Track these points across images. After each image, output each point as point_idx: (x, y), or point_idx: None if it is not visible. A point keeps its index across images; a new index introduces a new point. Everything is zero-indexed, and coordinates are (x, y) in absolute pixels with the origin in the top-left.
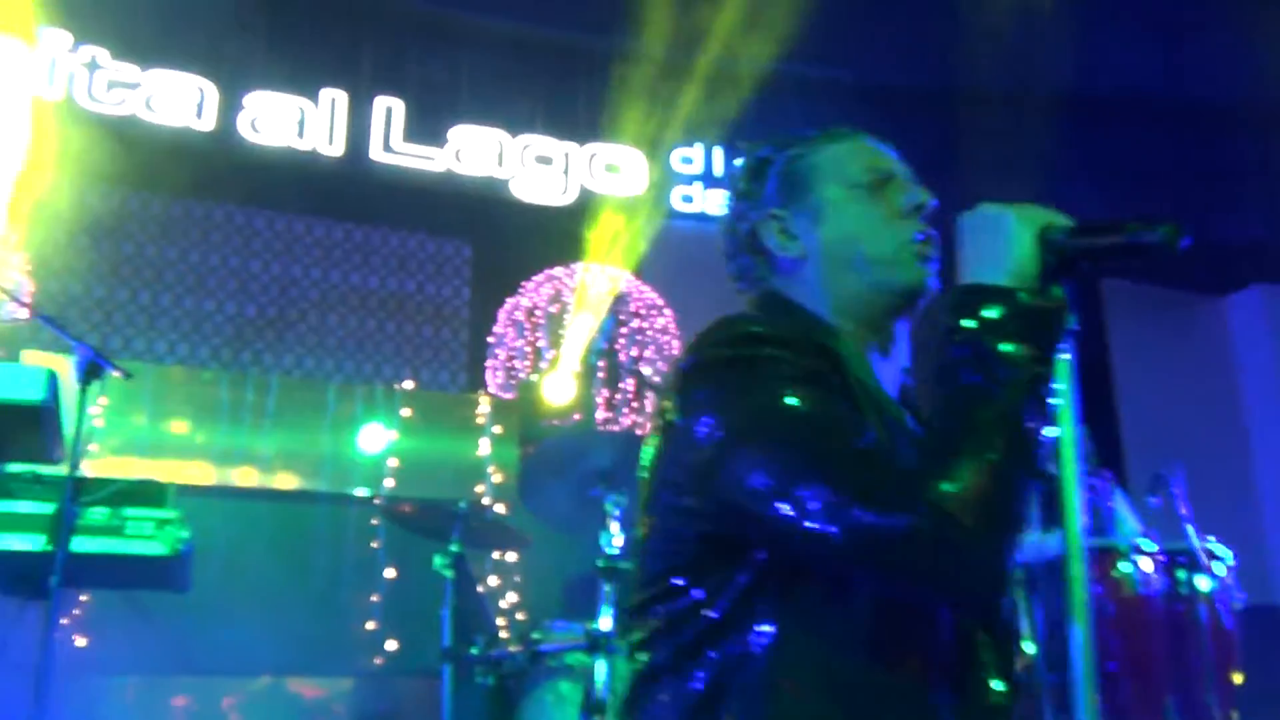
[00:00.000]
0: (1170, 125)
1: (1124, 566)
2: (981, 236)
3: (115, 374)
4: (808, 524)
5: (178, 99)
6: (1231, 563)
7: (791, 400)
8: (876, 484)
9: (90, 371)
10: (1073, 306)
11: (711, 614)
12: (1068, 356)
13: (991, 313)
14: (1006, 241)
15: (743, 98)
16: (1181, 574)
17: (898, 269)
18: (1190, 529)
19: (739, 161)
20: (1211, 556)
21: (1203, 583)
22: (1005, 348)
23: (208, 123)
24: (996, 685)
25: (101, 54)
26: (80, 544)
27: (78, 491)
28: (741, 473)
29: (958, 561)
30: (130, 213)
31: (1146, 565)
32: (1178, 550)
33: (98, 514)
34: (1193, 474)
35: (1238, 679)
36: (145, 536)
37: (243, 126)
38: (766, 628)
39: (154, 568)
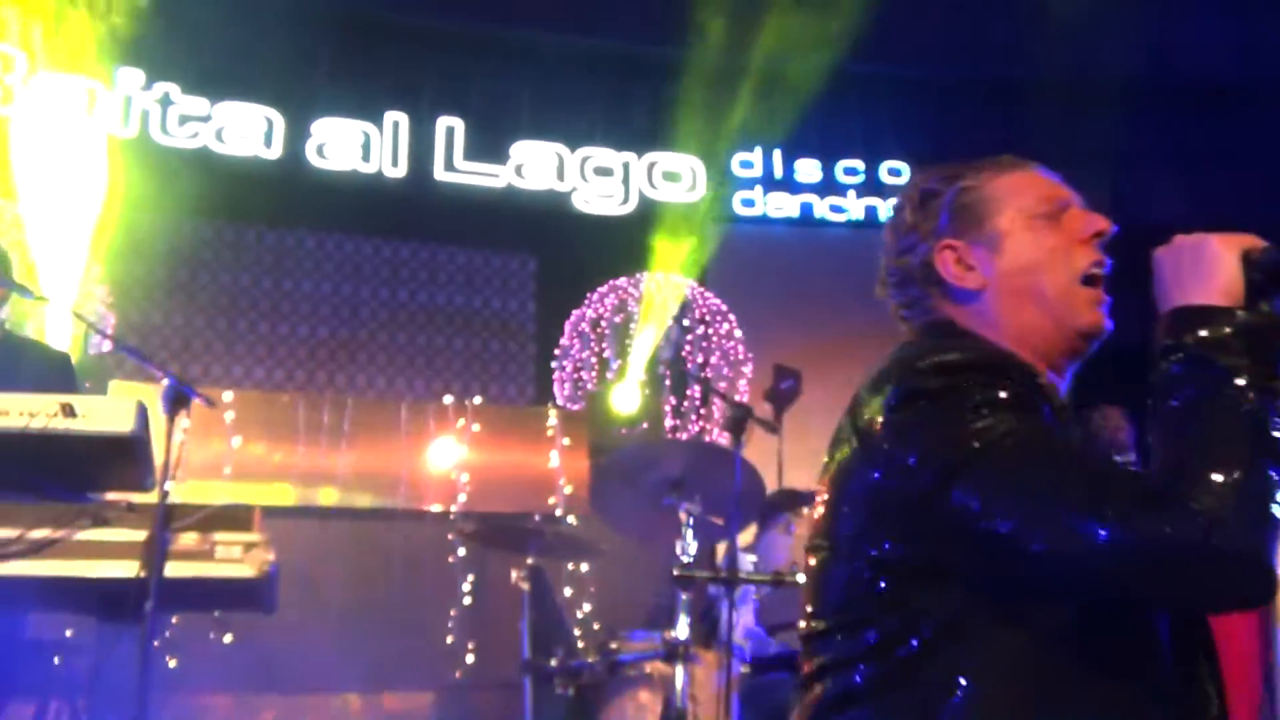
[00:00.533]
0: (1241, 108)
1: None
2: (1182, 264)
3: (200, 402)
4: (1065, 540)
5: (246, 129)
6: None
7: (1018, 426)
8: (1136, 496)
9: (177, 401)
10: None
11: (907, 646)
12: None
13: (1215, 330)
14: (1211, 265)
15: (800, 99)
16: None
17: (1074, 308)
18: None
19: (903, 194)
20: None
21: None
22: (1233, 362)
23: (276, 151)
24: (1214, 695)
25: (173, 90)
26: (172, 569)
27: (168, 518)
28: (977, 500)
29: (1233, 568)
30: (204, 242)
31: None
32: None
33: (188, 539)
34: None
35: None
36: (233, 560)
37: (310, 153)
38: (971, 661)
39: (242, 590)
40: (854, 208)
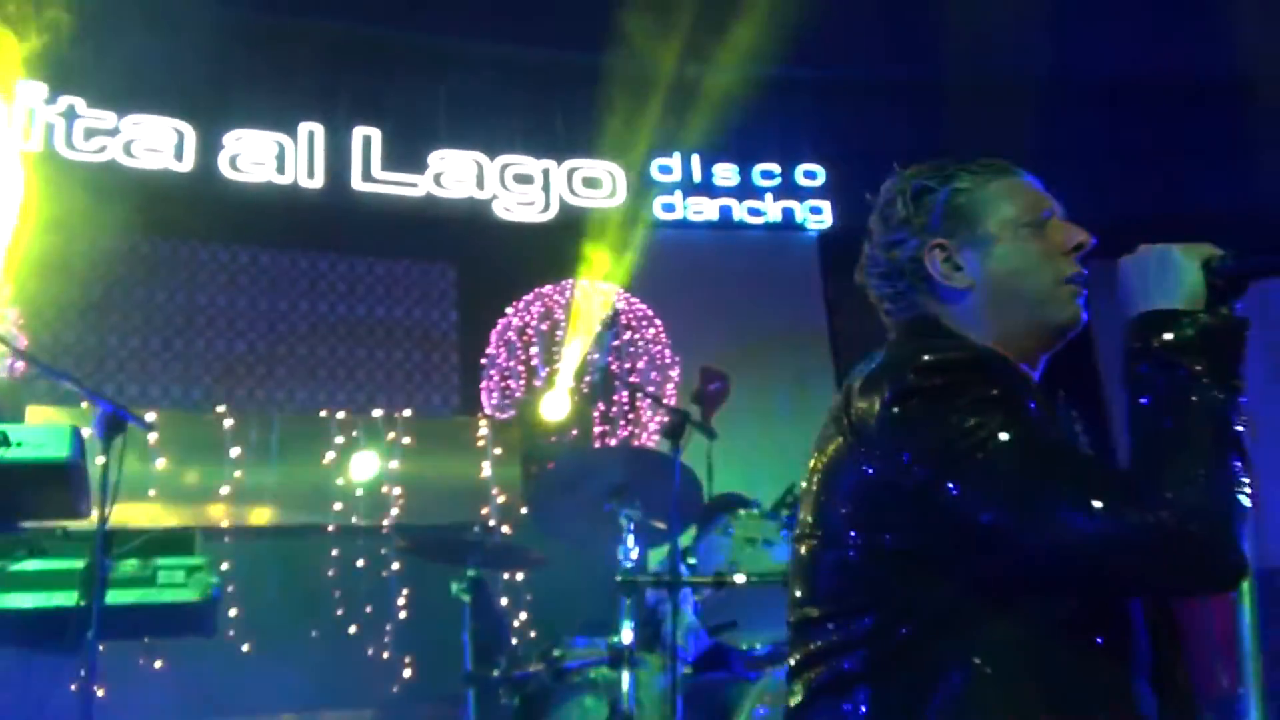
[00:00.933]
0: (1145, 104)
1: None
2: (1148, 271)
3: (137, 425)
4: (1049, 534)
5: (157, 142)
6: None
7: (1010, 422)
8: (1117, 489)
9: (112, 425)
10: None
11: (901, 634)
12: None
13: (1180, 333)
14: (1175, 273)
15: (716, 104)
16: None
17: (1056, 306)
18: None
19: (895, 186)
20: None
21: None
22: (1198, 364)
23: (188, 164)
24: (1185, 674)
25: (78, 103)
26: (113, 596)
27: (108, 545)
28: (972, 494)
29: (1210, 553)
30: (116, 258)
31: None
32: None
33: (128, 566)
34: None
35: (1244, 645)
36: (176, 585)
37: (223, 165)
38: (965, 649)
39: (185, 615)
40: (771, 210)
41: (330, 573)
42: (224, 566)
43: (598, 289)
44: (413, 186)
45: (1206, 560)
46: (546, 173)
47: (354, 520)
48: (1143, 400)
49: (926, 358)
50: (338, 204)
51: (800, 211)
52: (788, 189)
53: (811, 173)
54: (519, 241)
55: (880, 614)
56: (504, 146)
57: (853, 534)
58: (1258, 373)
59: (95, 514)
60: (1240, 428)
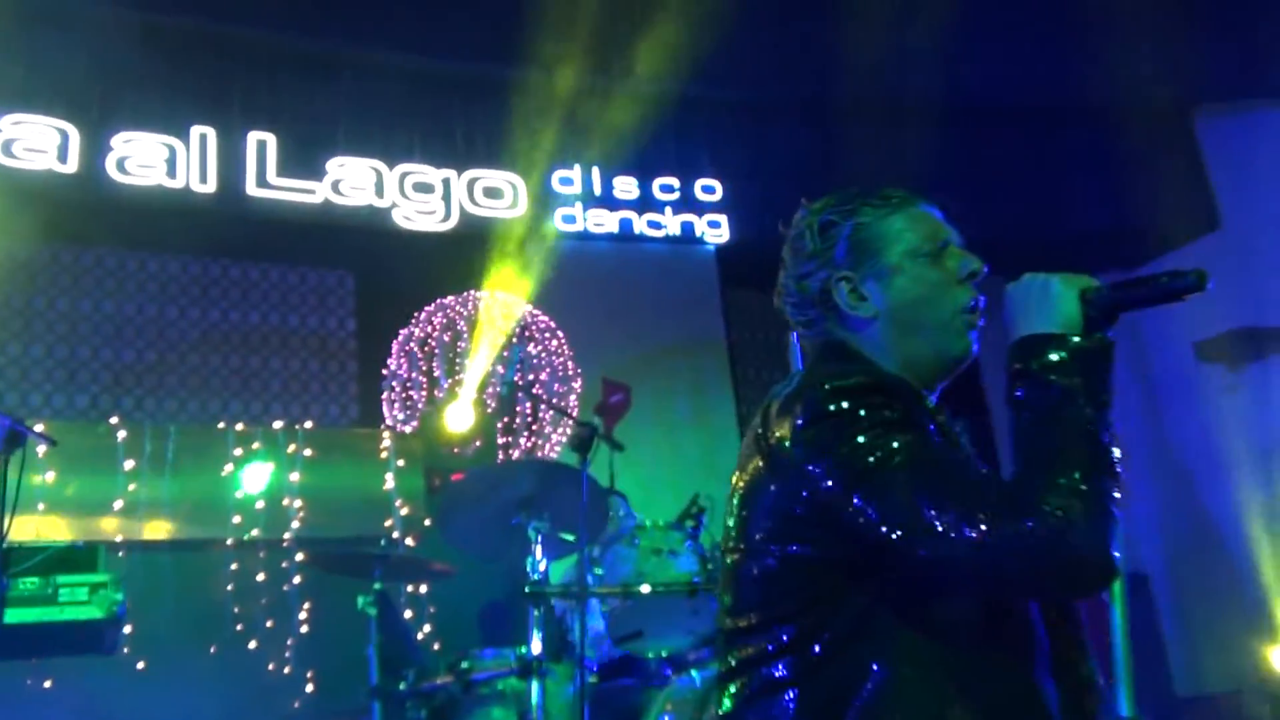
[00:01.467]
0: (1023, 127)
1: None
2: (1030, 299)
3: (37, 439)
4: (942, 546)
5: (38, 142)
6: None
7: (909, 441)
8: (1001, 504)
9: (11, 440)
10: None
11: (820, 641)
12: None
13: (1056, 355)
14: (1055, 301)
15: (617, 118)
16: None
17: (953, 336)
18: None
19: (803, 220)
20: None
21: None
22: (1072, 382)
23: (72, 165)
24: (1086, 666)
25: None
26: (13, 615)
27: (6, 562)
28: (874, 507)
29: (1083, 561)
30: None
31: None
32: None
33: (29, 584)
34: None
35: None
36: (79, 602)
37: (110, 168)
38: (879, 653)
39: (88, 633)
40: (671, 224)
41: (229, 587)
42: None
43: (500, 300)
44: (310, 193)
45: (1080, 566)
46: (447, 182)
47: (254, 534)
48: (1023, 418)
49: (835, 383)
50: (231, 210)
51: (699, 225)
52: (687, 203)
53: (709, 187)
54: (419, 251)
55: (801, 623)
56: (404, 155)
57: (773, 547)
58: (1131, 399)
59: None
60: (1111, 441)
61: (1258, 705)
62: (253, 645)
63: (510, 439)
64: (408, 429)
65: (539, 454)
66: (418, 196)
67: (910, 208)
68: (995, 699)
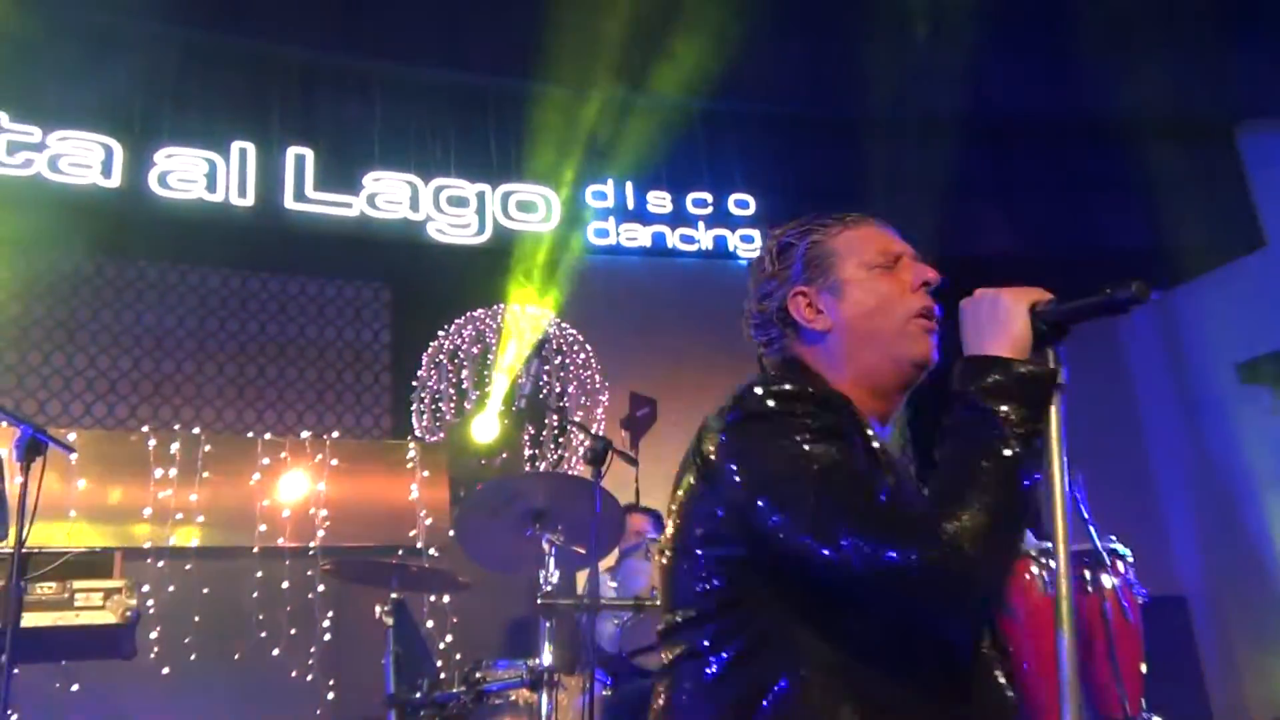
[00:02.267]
0: (1059, 141)
1: (1034, 569)
2: (981, 315)
3: (58, 448)
4: (836, 558)
5: (83, 158)
6: (1132, 560)
7: (825, 452)
8: (896, 525)
9: (31, 448)
10: (1063, 364)
11: (739, 643)
12: (1056, 407)
13: (994, 379)
14: (1003, 317)
15: (651, 132)
16: (1087, 574)
17: (907, 341)
18: (1093, 531)
19: (765, 245)
20: (1114, 555)
21: (1107, 580)
22: (1005, 409)
23: (115, 180)
24: (1003, 682)
25: (1, 117)
26: (29, 620)
27: (24, 567)
28: (779, 512)
29: (962, 588)
30: (38, 275)
31: (1054, 568)
32: (1082, 551)
33: (46, 588)
34: (1094, 479)
35: (1144, 668)
36: (94, 607)
37: (152, 182)
38: (788, 660)
39: (104, 637)
40: (703, 238)
41: (254, 595)
42: (145, 588)
43: (529, 313)
44: (346, 207)
45: (963, 593)
46: (481, 196)
47: (279, 542)
48: (949, 442)
49: (759, 390)
50: (270, 223)
51: (732, 240)
52: (719, 217)
53: (743, 202)
54: (452, 263)
55: (722, 624)
56: (438, 169)
57: (699, 550)
58: (1173, 420)
59: (12, 536)
60: (1027, 479)
61: None
62: (276, 652)
63: (537, 451)
64: (435, 440)
65: (564, 467)
66: (452, 210)
67: (863, 225)
68: (898, 713)
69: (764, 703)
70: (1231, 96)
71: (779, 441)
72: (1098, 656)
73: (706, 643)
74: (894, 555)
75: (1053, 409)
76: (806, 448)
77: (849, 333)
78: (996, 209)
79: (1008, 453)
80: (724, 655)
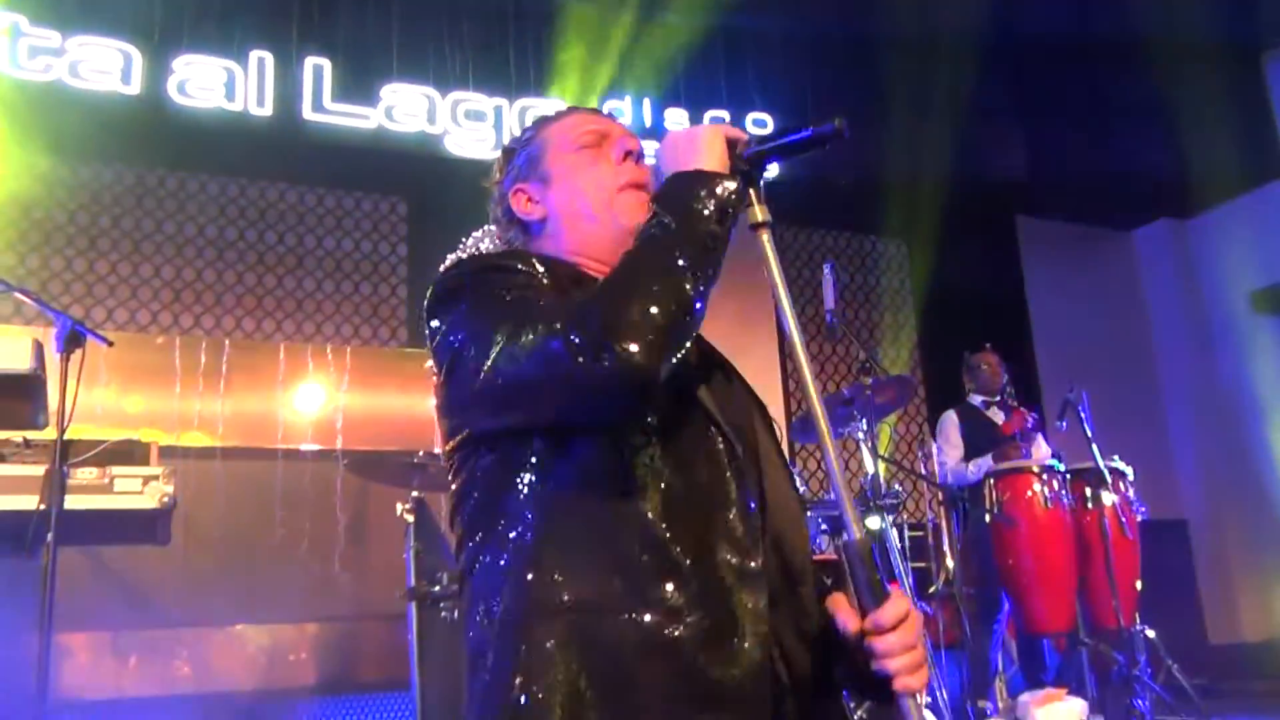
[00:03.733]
0: (1081, 63)
1: (1036, 485)
2: (677, 146)
3: (96, 340)
4: (509, 375)
5: (103, 64)
6: (1133, 478)
7: (496, 292)
8: (552, 321)
9: (71, 339)
10: (760, 199)
11: (484, 509)
12: (767, 239)
13: (676, 184)
14: (699, 145)
15: (669, 49)
16: (1087, 491)
17: (618, 210)
18: (1095, 449)
19: (497, 158)
20: (1114, 474)
21: (1107, 498)
22: (684, 204)
23: (135, 87)
24: (739, 545)
25: (21, 20)
26: (72, 502)
27: (66, 453)
28: (466, 362)
29: (607, 370)
30: (59, 181)
31: (1056, 485)
32: (1084, 468)
33: (87, 474)
34: (1104, 398)
35: (1139, 585)
36: (133, 493)
37: (171, 90)
38: (524, 510)
39: (141, 522)
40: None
41: (276, 495)
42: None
43: None
44: (364, 119)
45: (599, 377)
46: (499, 110)
47: (301, 447)
48: (631, 247)
49: (440, 272)
50: (288, 133)
51: None
52: None
53: (760, 121)
54: (470, 177)
55: (464, 506)
56: (456, 82)
57: (443, 446)
58: (1185, 345)
59: (54, 426)
60: (695, 293)
61: None
62: (297, 548)
63: None
64: None
65: None
66: (469, 124)
67: (570, 115)
68: (626, 566)
69: (505, 555)
70: (1262, 22)
71: (465, 300)
72: (1095, 570)
73: (468, 516)
74: (557, 344)
75: (769, 246)
76: (483, 295)
77: (563, 215)
78: (1016, 132)
79: (671, 243)
80: (480, 526)
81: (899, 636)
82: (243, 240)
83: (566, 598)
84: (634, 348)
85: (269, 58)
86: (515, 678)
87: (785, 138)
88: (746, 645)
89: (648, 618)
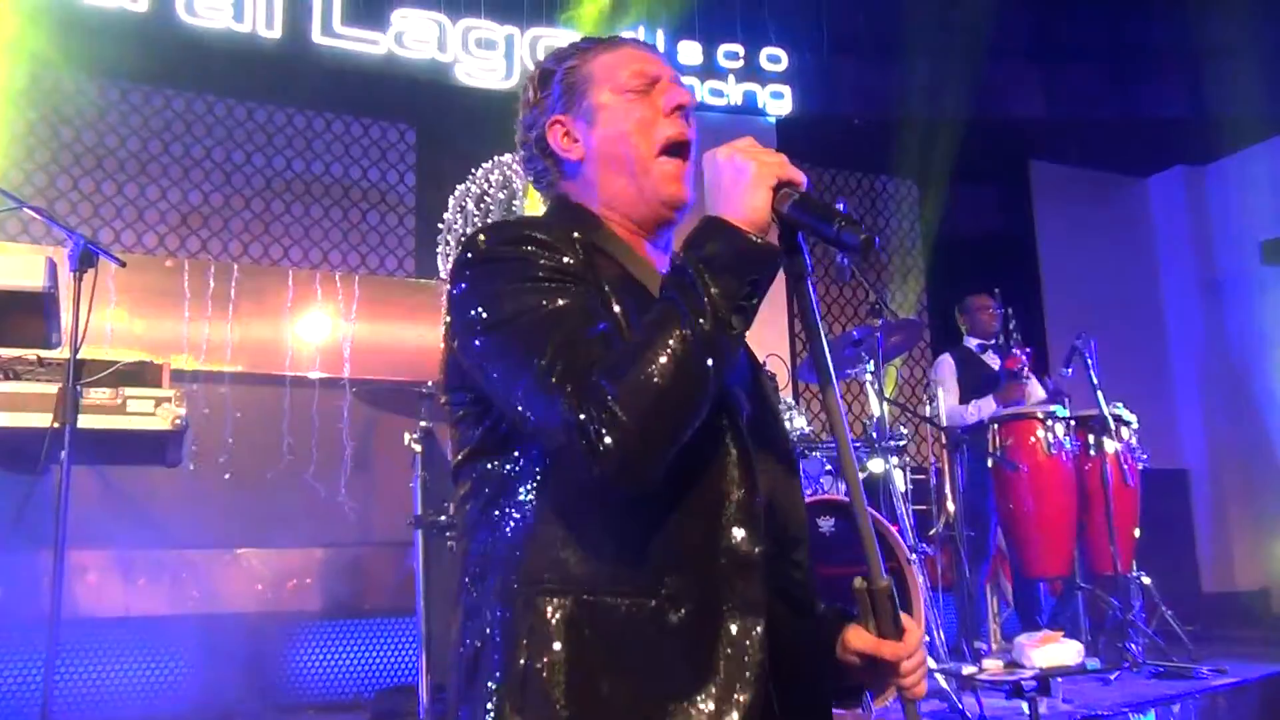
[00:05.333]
0: (1100, 6)
1: (1039, 431)
2: (722, 178)
3: (109, 259)
4: (517, 406)
5: None
6: (1136, 426)
7: (532, 300)
8: (569, 378)
9: (84, 260)
10: (796, 253)
11: (492, 474)
12: (806, 289)
13: (711, 246)
14: (747, 188)
15: None
16: (1090, 438)
17: (655, 179)
18: (1100, 396)
19: (528, 75)
20: (1118, 421)
21: (1109, 445)
22: (710, 280)
23: (142, 4)
24: (739, 533)
25: None
26: (85, 421)
27: (80, 372)
28: (485, 355)
29: (606, 458)
30: (65, 97)
31: (1059, 430)
32: (1088, 416)
33: (100, 394)
34: (1111, 346)
35: (1137, 533)
36: (145, 414)
37: (179, 8)
38: (534, 483)
39: (153, 443)
40: (733, 93)
41: (284, 421)
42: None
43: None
44: (374, 44)
45: (597, 461)
46: (510, 39)
47: (309, 374)
48: (659, 300)
49: (482, 235)
50: (296, 56)
51: (761, 96)
52: (750, 72)
53: (775, 57)
54: (480, 107)
55: (477, 467)
56: (467, 8)
57: (454, 394)
58: (1193, 294)
59: (66, 345)
60: (711, 356)
61: None
62: (305, 474)
63: None
64: None
65: None
66: (480, 53)
67: (619, 47)
68: (630, 548)
69: (499, 549)
70: None
71: (492, 285)
72: (1095, 517)
73: (467, 491)
74: (562, 415)
75: (809, 298)
76: (514, 291)
77: (600, 160)
78: (1033, 74)
79: (693, 330)
80: (478, 501)
81: (915, 660)
82: (250, 164)
83: (571, 576)
84: (639, 442)
85: None
86: (518, 651)
87: (823, 227)
88: (739, 632)
89: (650, 601)
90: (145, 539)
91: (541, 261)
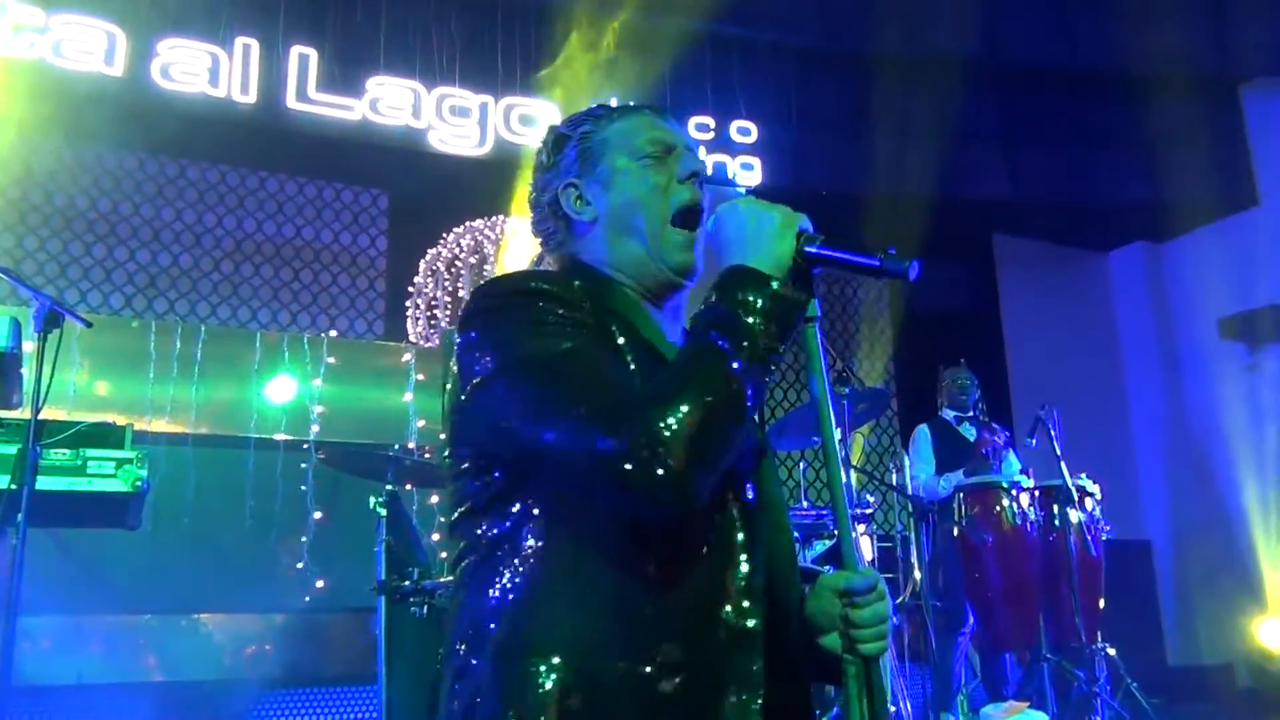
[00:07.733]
0: (1062, 91)
1: (1005, 501)
2: (744, 226)
3: (75, 320)
4: (545, 443)
5: (87, 44)
6: (1100, 497)
7: (545, 343)
8: (609, 409)
9: (49, 320)
10: (813, 293)
11: (492, 531)
12: (814, 331)
13: (749, 293)
14: (770, 237)
15: (656, 54)
16: (1055, 508)
17: (666, 247)
18: (1064, 466)
19: (543, 139)
20: (1082, 492)
21: (1073, 515)
22: (749, 322)
23: (118, 69)
24: (740, 606)
25: None
26: (44, 483)
27: (40, 433)
28: (498, 401)
29: (654, 480)
30: (39, 160)
31: (1024, 501)
32: (1052, 486)
33: (60, 454)
34: (1074, 417)
35: (1102, 603)
36: (106, 475)
37: (154, 73)
38: (535, 543)
39: (113, 505)
40: (704, 163)
41: (248, 484)
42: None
43: (525, 225)
44: (349, 110)
45: (652, 486)
46: (484, 107)
47: (275, 436)
48: (688, 340)
49: (483, 286)
50: (271, 122)
51: (732, 166)
52: (721, 143)
53: (745, 129)
54: (453, 173)
55: (478, 524)
56: (442, 77)
57: (459, 449)
58: (1153, 369)
59: (28, 406)
60: (749, 396)
61: (1246, 678)
62: (267, 538)
63: None
64: (430, 345)
65: None
66: (454, 120)
67: (636, 115)
68: (629, 615)
69: (502, 606)
70: (1240, 54)
71: (506, 336)
72: (1060, 587)
73: (476, 533)
74: (594, 438)
75: (815, 339)
76: (529, 341)
77: (611, 223)
78: (997, 153)
79: (735, 364)
80: (477, 558)
81: (875, 596)
82: (220, 227)
83: (567, 638)
84: (687, 465)
85: (254, 44)
86: (508, 710)
87: (854, 257)
88: (736, 706)
89: (646, 669)
90: (101, 603)
91: (552, 307)
